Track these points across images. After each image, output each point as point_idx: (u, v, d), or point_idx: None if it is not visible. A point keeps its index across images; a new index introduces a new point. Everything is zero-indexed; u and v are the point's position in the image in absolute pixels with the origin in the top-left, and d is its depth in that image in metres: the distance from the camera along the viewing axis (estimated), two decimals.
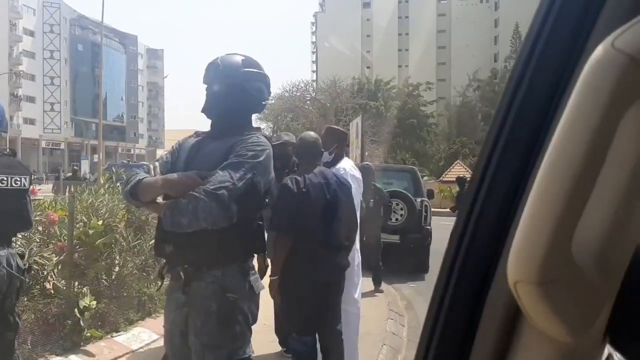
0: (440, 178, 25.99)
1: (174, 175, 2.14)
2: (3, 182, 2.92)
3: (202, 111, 2.39)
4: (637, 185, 0.38)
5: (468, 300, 0.43)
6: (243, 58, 2.38)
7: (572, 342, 0.40)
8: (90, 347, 4.39)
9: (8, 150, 3.25)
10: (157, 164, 2.30)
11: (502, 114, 0.42)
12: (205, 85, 2.37)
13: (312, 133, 3.76)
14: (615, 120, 0.34)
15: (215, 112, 2.36)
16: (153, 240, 2.65)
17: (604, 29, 0.34)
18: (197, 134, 2.44)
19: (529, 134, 0.40)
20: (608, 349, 1.10)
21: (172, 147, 2.42)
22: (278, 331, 4.48)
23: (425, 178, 13.33)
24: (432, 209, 9.78)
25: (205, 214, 2.01)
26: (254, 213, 2.26)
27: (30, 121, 57.21)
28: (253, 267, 2.35)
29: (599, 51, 0.33)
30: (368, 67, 60.43)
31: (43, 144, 58.63)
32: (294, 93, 38.84)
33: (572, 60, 0.36)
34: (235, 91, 2.32)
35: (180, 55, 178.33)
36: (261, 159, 2.18)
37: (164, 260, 2.37)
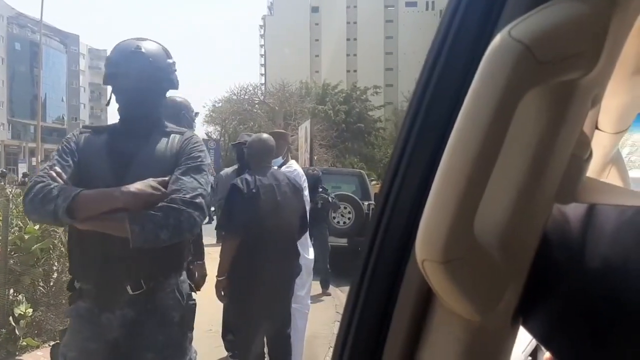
0: None
1: (136, 186, 1.85)
2: None
3: (123, 107, 2.08)
4: (538, 171, 0.40)
5: (384, 285, 0.44)
6: (162, 47, 2.13)
7: (480, 320, 0.42)
8: (26, 357, 4.24)
9: None
10: (57, 169, 1.92)
11: (415, 106, 0.44)
12: (119, 76, 2.04)
13: (264, 134, 3.76)
14: (512, 105, 0.36)
15: (141, 109, 2.06)
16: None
17: (506, 23, 0.36)
18: (94, 130, 2.12)
19: (438, 123, 0.42)
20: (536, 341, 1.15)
21: (64, 147, 2.01)
22: (224, 336, 4.44)
23: (374, 182, 13.55)
24: None
25: (190, 226, 1.88)
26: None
27: None
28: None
29: (497, 40, 0.36)
30: (317, 72, 60.79)
31: None
32: (242, 96, 38.65)
33: (478, 53, 0.37)
34: (165, 86, 2.13)
35: None
36: (208, 160, 2.08)
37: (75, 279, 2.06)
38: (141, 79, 2.03)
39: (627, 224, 0.43)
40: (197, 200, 1.89)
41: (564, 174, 0.44)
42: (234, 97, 38.56)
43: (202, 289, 3.05)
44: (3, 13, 60.31)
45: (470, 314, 0.41)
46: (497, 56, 0.35)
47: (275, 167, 3.80)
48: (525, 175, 0.41)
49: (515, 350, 1.02)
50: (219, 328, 4.50)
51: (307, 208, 3.91)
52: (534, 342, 1.14)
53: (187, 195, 1.87)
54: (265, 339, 3.53)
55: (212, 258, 3.48)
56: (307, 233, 4.02)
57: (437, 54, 0.42)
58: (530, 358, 1.07)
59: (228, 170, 4.77)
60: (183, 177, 1.92)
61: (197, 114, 3.54)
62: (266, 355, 3.56)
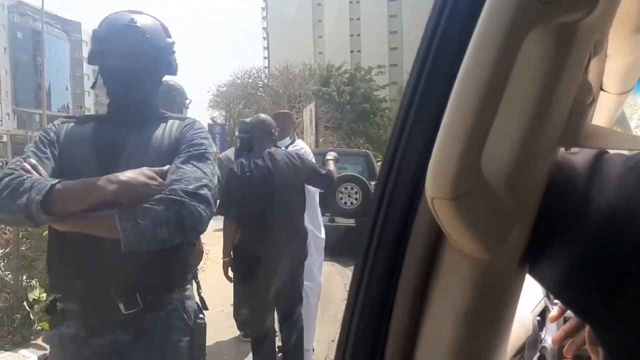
0: None
1: (127, 174, 1.51)
2: None
3: (112, 91, 1.75)
4: (541, 113, 0.41)
5: (395, 228, 0.46)
6: (160, 23, 1.81)
7: (488, 260, 0.43)
8: (40, 341, 4.29)
9: None
10: (32, 161, 1.60)
11: (424, 49, 0.45)
12: (108, 54, 1.71)
13: (263, 115, 3.78)
14: (516, 43, 0.37)
15: (134, 94, 1.74)
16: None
17: None
18: (78, 119, 1.79)
19: (447, 65, 0.43)
20: (545, 302, 1.16)
21: (42, 137, 1.70)
22: (235, 316, 4.49)
23: (379, 162, 13.54)
24: None
25: (194, 221, 1.53)
26: None
27: None
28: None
29: None
30: (320, 53, 60.39)
31: None
32: (246, 80, 38.50)
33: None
34: (162, 66, 1.79)
35: None
36: (214, 149, 1.76)
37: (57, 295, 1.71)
38: (135, 57, 1.69)
39: (632, 170, 0.44)
40: (201, 192, 1.56)
41: (567, 118, 0.45)
42: (238, 81, 38.42)
43: (214, 273, 3.07)
44: (3, 2, 60.12)
45: (478, 252, 0.43)
46: None
47: (283, 148, 3.81)
48: (529, 117, 0.42)
49: (524, 311, 1.04)
50: (230, 309, 4.56)
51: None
52: (542, 304, 1.16)
53: (190, 186, 1.54)
54: (276, 318, 3.57)
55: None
56: (319, 211, 4.04)
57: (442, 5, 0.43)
58: (539, 318, 1.09)
59: (227, 152, 4.77)
60: (184, 166, 1.60)
61: (190, 101, 3.34)
62: (278, 333, 3.61)
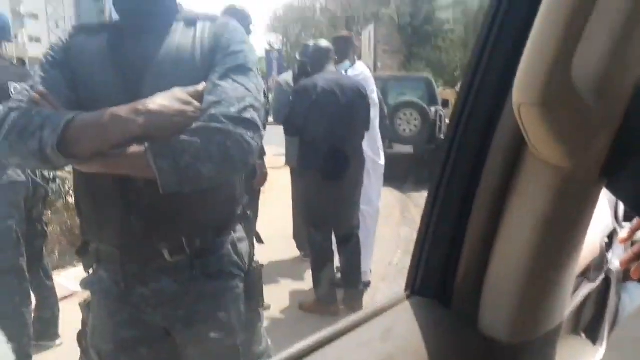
0: (456, 87, 25.56)
1: (156, 101, 1.23)
2: (16, 89, 2.95)
3: None
4: (632, 23, 0.40)
5: (475, 139, 0.46)
6: None
7: (569, 168, 0.43)
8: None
9: (16, 61, 3.26)
10: (40, 89, 1.32)
11: None
12: None
13: (323, 40, 3.78)
14: None
15: None
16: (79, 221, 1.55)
17: None
18: (89, 29, 1.46)
19: None
20: (613, 224, 1.14)
21: (49, 57, 1.40)
22: (296, 237, 4.65)
23: (440, 88, 13.13)
24: (447, 120, 9.71)
25: (243, 152, 1.26)
26: None
27: (35, 39, 56.46)
28: None
29: None
30: None
31: None
32: (304, 3, 37.69)
33: None
34: None
35: None
36: (255, 56, 1.44)
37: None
38: None
39: None
40: (247, 115, 1.28)
41: None
42: (296, 4, 37.70)
43: (273, 195, 3.14)
44: None
45: (560, 160, 0.43)
46: None
47: (343, 72, 3.79)
48: (620, 26, 0.40)
49: (591, 232, 1.02)
50: (290, 231, 4.71)
51: (376, 111, 3.90)
52: (610, 225, 1.13)
53: (233, 109, 1.27)
54: (335, 239, 3.68)
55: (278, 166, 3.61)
56: (380, 137, 4.05)
57: None
58: (606, 240, 1.08)
59: (284, 76, 4.75)
60: (223, 83, 1.30)
61: (253, 25, 3.47)
62: (336, 254, 3.73)
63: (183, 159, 1.22)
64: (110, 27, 1.46)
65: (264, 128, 1.36)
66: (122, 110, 1.22)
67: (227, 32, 1.39)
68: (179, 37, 1.39)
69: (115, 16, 1.45)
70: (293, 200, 4.58)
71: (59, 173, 4.90)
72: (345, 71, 3.89)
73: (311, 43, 3.83)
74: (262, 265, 1.57)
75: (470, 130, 0.46)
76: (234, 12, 3.08)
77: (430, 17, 40.18)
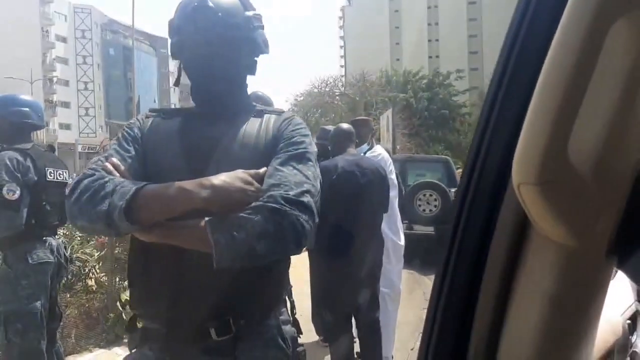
0: None
1: (221, 178, 1.29)
2: (50, 174, 3.05)
3: (194, 84, 1.56)
4: (629, 102, 0.41)
5: (481, 217, 0.46)
6: None
7: (574, 246, 0.43)
8: None
9: (47, 147, 3.40)
10: (114, 160, 1.41)
11: (511, 40, 0.46)
12: (184, 43, 1.52)
13: (344, 124, 3.88)
14: (602, 32, 0.37)
15: (215, 83, 1.52)
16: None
17: None
18: (165, 113, 1.60)
19: (534, 53, 0.44)
20: (636, 306, 1.10)
21: (126, 133, 1.51)
22: (314, 320, 4.54)
23: (459, 170, 13.25)
24: None
25: (297, 234, 1.29)
26: None
27: (65, 126, 58.93)
28: None
29: None
30: (398, 59, 60.13)
31: (79, 148, 60.35)
32: (323, 89, 39.04)
33: None
34: (246, 48, 1.53)
35: None
36: (314, 149, 1.52)
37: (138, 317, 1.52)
38: (209, 41, 1.46)
39: None
40: (304, 199, 1.32)
41: None
42: (315, 90, 39.03)
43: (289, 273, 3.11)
44: (97, 21, 64.54)
45: (565, 238, 0.43)
46: None
47: (361, 154, 3.85)
48: (616, 105, 0.42)
49: (614, 314, 0.99)
50: (308, 313, 4.61)
51: (395, 191, 3.91)
52: (634, 307, 1.09)
53: (291, 192, 1.31)
54: (354, 322, 3.58)
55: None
56: (399, 218, 4.03)
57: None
58: (629, 321, 1.04)
59: None
60: (283, 169, 1.36)
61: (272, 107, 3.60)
62: (356, 339, 3.61)
63: (239, 234, 1.24)
64: (183, 112, 1.60)
65: (319, 214, 1.40)
66: (188, 183, 1.28)
67: (291, 125, 1.50)
68: (247, 125, 1.50)
69: (144, 104, 1.58)
70: (311, 283, 4.52)
71: (79, 255, 4.97)
72: (364, 153, 3.96)
73: (329, 127, 3.94)
74: (305, 351, 1.56)
75: (475, 207, 0.47)
76: (256, 98, 3.17)
77: (446, 101, 41.16)
